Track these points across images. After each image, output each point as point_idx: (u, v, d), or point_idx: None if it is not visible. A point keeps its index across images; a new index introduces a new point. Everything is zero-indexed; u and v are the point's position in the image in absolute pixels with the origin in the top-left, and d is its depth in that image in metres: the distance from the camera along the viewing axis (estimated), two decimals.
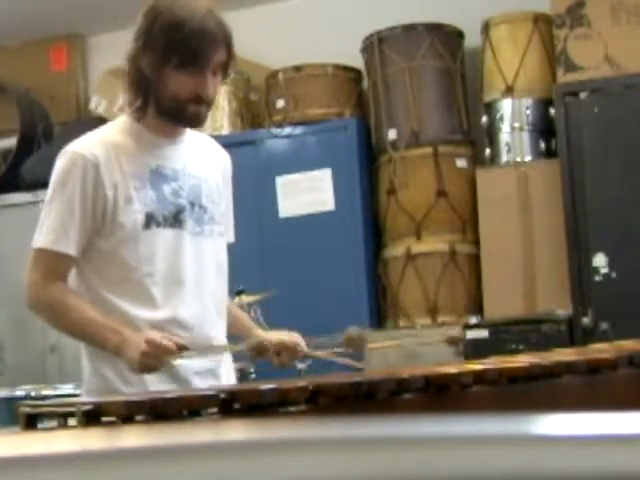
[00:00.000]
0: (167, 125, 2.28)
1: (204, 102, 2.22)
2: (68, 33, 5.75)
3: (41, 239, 2.21)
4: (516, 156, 4.64)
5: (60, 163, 2.24)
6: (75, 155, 2.21)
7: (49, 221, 2.21)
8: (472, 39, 4.88)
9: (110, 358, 2.18)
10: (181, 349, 2.11)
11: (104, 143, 2.24)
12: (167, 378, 2.18)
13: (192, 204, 2.28)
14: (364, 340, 2.42)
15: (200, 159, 2.36)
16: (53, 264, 2.20)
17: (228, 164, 2.48)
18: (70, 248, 2.19)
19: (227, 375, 2.36)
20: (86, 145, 2.23)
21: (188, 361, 2.19)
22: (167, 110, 2.23)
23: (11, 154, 5.49)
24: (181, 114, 2.23)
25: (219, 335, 2.33)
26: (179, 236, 2.25)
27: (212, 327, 2.29)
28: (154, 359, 2.07)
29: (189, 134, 2.36)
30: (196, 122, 2.27)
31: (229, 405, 1.61)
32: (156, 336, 2.09)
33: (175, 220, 2.24)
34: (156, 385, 2.16)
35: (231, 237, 2.46)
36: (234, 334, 2.49)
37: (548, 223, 4.43)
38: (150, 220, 2.21)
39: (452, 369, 1.99)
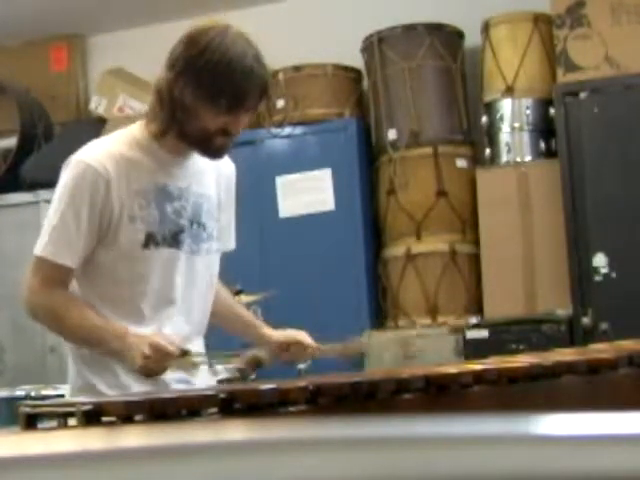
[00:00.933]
0: (184, 147, 2.25)
1: (231, 135, 2.20)
2: (68, 33, 5.75)
3: (42, 247, 2.18)
4: (516, 156, 4.64)
5: (71, 172, 2.20)
6: (87, 167, 2.18)
7: (53, 230, 2.18)
8: (472, 39, 4.88)
9: (93, 363, 2.20)
10: (184, 354, 2.11)
11: (115, 157, 2.20)
12: (148, 383, 2.17)
13: (192, 222, 2.28)
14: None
15: (205, 175, 2.34)
16: (52, 273, 2.18)
17: (232, 173, 2.45)
18: (71, 260, 2.17)
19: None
20: (98, 158, 2.19)
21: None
22: (192, 139, 2.20)
23: (11, 154, 5.49)
24: (207, 145, 2.20)
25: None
26: (174, 255, 2.24)
27: (191, 345, 2.26)
28: (156, 363, 2.08)
29: None
30: (220, 154, 2.26)
31: (229, 405, 1.61)
32: (160, 340, 2.09)
33: (173, 240, 2.24)
34: (137, 388, 2.16)
35: (232, 245, 2.47)
36: (239, 334, 2.50)
37: (548, 223, 4.43)
38: (149, 240, 2.21)
39: (452, 369, 1.99)
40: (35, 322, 2.24)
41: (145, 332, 2.16)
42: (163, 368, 2.10)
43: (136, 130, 2.28)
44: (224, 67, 2.10)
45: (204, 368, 2.32)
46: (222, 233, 2.39)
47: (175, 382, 2.23)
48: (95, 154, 2.20)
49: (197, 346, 2.31)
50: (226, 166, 2.43)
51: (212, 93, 2.12)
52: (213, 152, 2.23)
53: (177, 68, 2.14)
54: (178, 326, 2.24)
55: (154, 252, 2.21)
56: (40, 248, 2.19)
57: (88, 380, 2.21)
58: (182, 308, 2.26)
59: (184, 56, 2.14)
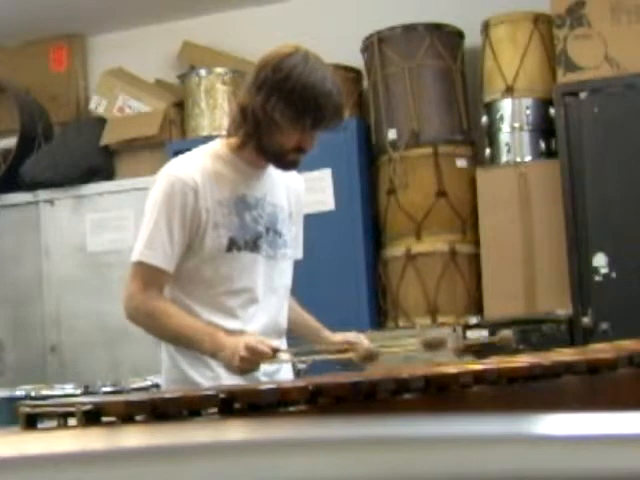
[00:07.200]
0: (260, 160, 2.46)
1: (304, 151, 2.42)
2: (68, 33, 5.75)
3: (140, 253, 2.37)
4: (516, 156, 4.64)
5: (162, 185, 2.40)
6: (177, 180, 2.39)
7: (149, 238, 2.37)
8: (472, 39, 4.87)
9: (189, 356, 2.39)
10: (275, 352, 2.28)
11: (202, 170, 2.41)
12: (239, 376, 2.34)
13: (268, 229, 2.48)
14: (444, 342, 2.52)
15: (278, 187, 2.55)
16: (151, 277, 2.36)
17: (302, 188, 2.67)
18: (167, 264, 2.37)
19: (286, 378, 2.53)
20: (186, 170, 2.41)
21: None
22: (268, 153, 2.42)
23: (11, 154, 5.48)
24: (281, 159, 2.43)
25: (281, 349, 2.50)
26: (255, 259, 2.44)
27: (275, 342, 2.43)
28: (251, 363, 2.25)
29: None
30: (291, 168, 2.49)
31: (229, 405, 1.61)
32: (253, 341, 2.26)
33: (254, 245, 2.44)
34: (229, 380, 2.33)
35: (300, 254, 2.66)
36: (300, 335, 2.65)
37: (548, 223, 4.43)
38: (232, 244, 2.41)
39: (452, 369, 1.99)
40: (134, 325, 2.39)
41: (235, 331, 2.35)
42: (257, 366, 2.27)
43: (217, 145, 2.50)
44: (309, 91, 2.33)
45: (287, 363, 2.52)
46: (293, 243, 2.58)
47: (261, 375, 2.39)
48: (183, 167, 2.42)
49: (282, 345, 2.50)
50: (296, 182, 2.64)
51: (298, 113, 2.33)
52: (285, 165, 2.45)
53: (266, 90, 2.36)
54: (262, 324, 2.42)
55: (236, 255, 2.41)
56: (138, 254, 2.38)
57: (185, 372, 2.40)
58: (265, 308, 2.45)
59: (272, 80, 2.36)
